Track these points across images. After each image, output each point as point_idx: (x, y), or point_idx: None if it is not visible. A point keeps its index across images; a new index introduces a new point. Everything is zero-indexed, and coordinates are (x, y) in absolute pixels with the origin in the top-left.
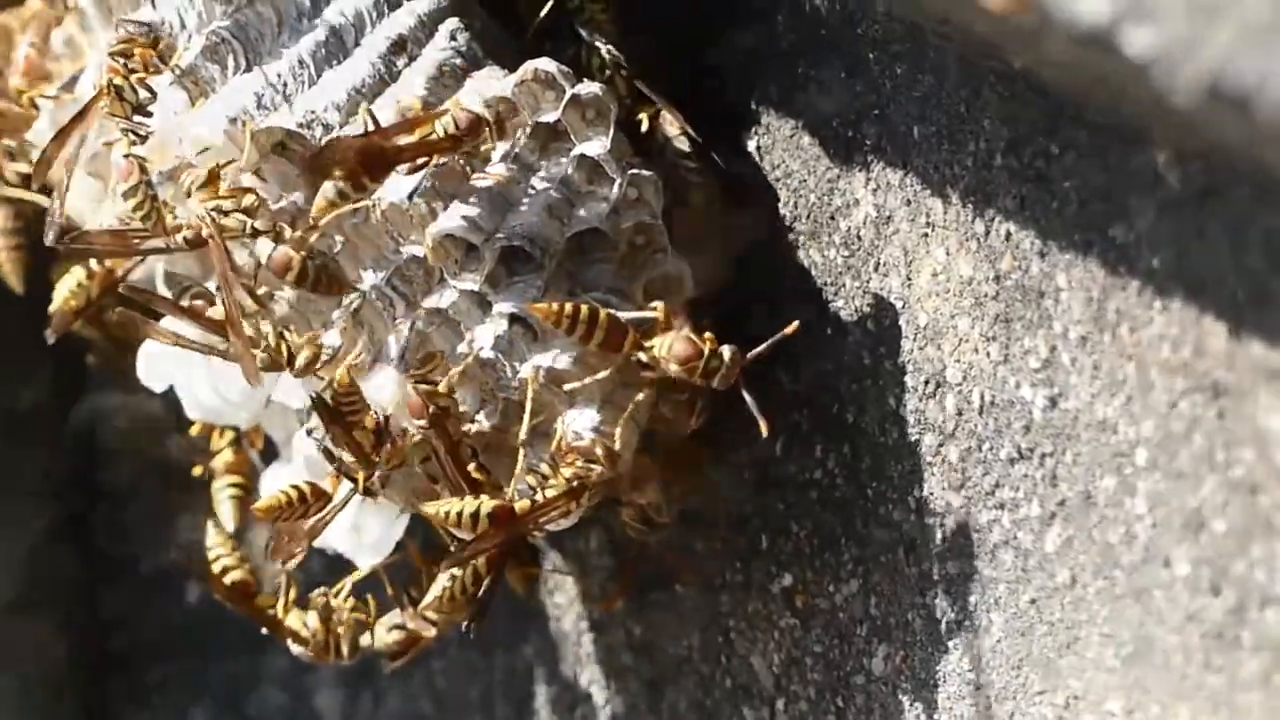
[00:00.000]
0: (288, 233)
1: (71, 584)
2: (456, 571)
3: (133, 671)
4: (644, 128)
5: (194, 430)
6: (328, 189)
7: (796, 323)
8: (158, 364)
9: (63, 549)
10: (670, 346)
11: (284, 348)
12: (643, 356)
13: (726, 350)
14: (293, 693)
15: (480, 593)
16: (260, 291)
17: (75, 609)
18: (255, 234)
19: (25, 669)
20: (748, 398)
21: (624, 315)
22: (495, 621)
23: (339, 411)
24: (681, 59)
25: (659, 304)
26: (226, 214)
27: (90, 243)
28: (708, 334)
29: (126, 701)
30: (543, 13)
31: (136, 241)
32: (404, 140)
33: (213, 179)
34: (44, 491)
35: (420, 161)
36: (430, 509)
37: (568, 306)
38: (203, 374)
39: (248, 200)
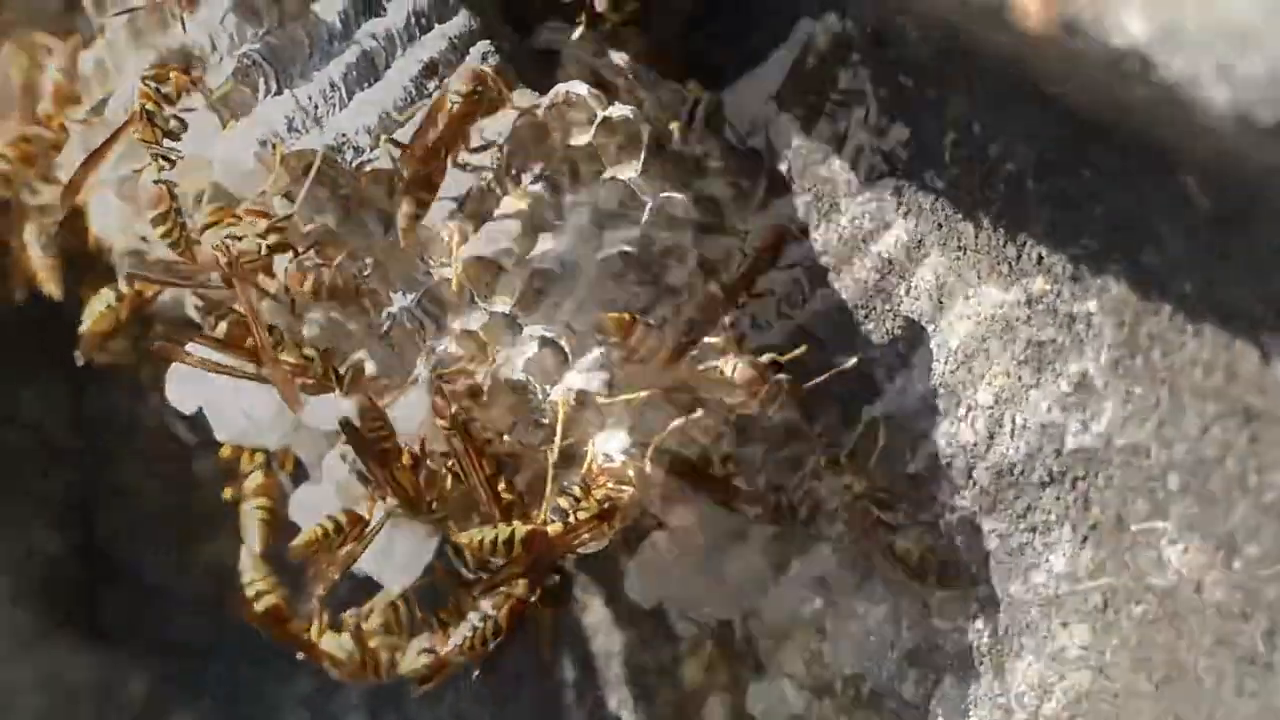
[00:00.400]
0: (301, 246)
1: (71, 584)
2: (478, 624)
3: (133, 671)
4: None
5: (224, 453)
6: (405, 209)
7: (856, 358)
8: (187, 385)
9: (63, 549)
10: (736, 369)
11: (330, 370)
12: (689, 379)
13: (783, 377)
14: (315, 711)
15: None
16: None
17: (75, 609)
18: (271, 251)
19: (26, 669)
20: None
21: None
22: (525, 646)
23: (367, 438)
24: (714, 80)
25: (726, 325)
26: (240, 239)
27: (149, 272)
28: (765, 358)
29: (126, 701)
30: (575, 35)
31: (188, 278)
32: (435, 133)
33: (221, 213)
34: (44, 492)
35: (462, 160)
36: (464, 537)
37: (637, 318)
38: (232, 396)
39: (260, 225)
